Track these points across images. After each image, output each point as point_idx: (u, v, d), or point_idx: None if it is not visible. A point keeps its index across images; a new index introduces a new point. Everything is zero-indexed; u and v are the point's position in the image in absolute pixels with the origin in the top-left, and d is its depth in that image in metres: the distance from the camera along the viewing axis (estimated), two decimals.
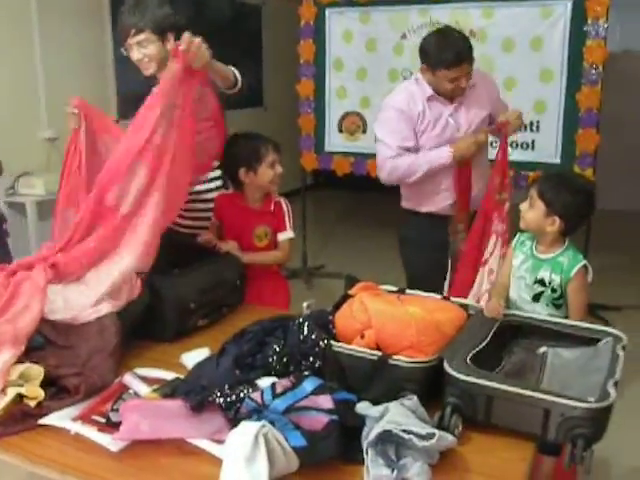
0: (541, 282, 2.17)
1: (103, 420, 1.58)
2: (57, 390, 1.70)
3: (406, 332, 1.69)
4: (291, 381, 1.54)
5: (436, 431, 1.37)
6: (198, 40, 2.07)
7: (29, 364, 1.70)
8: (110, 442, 1.48)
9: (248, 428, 1.34)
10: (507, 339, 1.88)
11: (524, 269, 2.22)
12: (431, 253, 2.95)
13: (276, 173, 2.59)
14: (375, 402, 1.50)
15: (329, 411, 1.43)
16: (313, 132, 5.30)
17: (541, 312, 2.14)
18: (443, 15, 4.62)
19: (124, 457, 1.46)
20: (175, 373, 1.78)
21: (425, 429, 1.37)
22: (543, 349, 1.85)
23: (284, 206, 2.66)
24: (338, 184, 7.09)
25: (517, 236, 2.28)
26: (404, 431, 1.36)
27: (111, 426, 1.54)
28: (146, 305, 2.03)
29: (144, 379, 1.77)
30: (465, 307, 1.95)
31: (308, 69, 5.20)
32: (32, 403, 1.62)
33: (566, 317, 2.14)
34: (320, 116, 5.26)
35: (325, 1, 5.04)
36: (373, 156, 4.96)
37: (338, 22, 5.05)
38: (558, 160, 4.47)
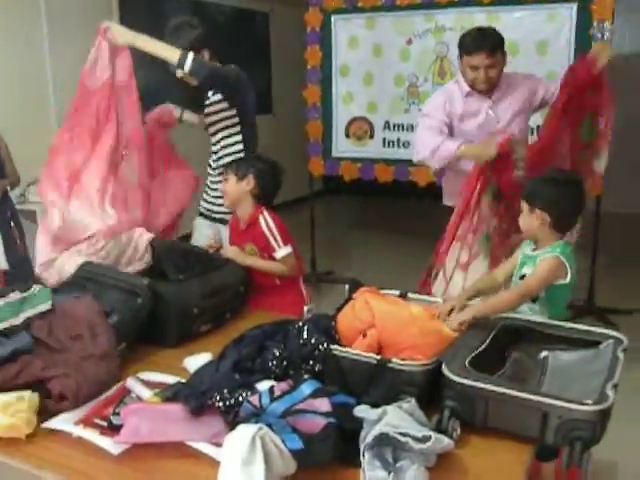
0: (522, 278, 2.14)
1: (105, 424, 1.59)
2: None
3: (409, 332, 1.71)
4: (289, 384, 1.55)
5: (432, 434, 1.37)
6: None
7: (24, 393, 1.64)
8: (111, 445, 1.50)
9: (245, 431, 1.35)
10: (508, 343, 1.87)
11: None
12: None
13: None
14: (375, 405, 1.50)
15: (327, 414, 1.44)
16: (320, 138, 5.30)
17: (522, 308, 2.09)
18: (448, 20, 4.64)
19: (125, 460, 1.48)
20: (178, 377, 1.79)
21: (421, 432, 1.38)
22: (544, 353, 1.84)
23: (263, 226, 2.55)
24: (347, 190, 7.11)
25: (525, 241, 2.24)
26: (401, 434, 1.37)
27: (113, 429, 1.55)
28: (150, 311, 2.05)
29: (147, 383, 1.79)
30: None
31: (315, 75, 5.21)
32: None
33: (546, 311, 2.10)
34: (327, 122, 5.27)
35: (331, 7, 5.06)
36: (380, 161, 5.05)
37: (344, 28, 5.07)
38: None
